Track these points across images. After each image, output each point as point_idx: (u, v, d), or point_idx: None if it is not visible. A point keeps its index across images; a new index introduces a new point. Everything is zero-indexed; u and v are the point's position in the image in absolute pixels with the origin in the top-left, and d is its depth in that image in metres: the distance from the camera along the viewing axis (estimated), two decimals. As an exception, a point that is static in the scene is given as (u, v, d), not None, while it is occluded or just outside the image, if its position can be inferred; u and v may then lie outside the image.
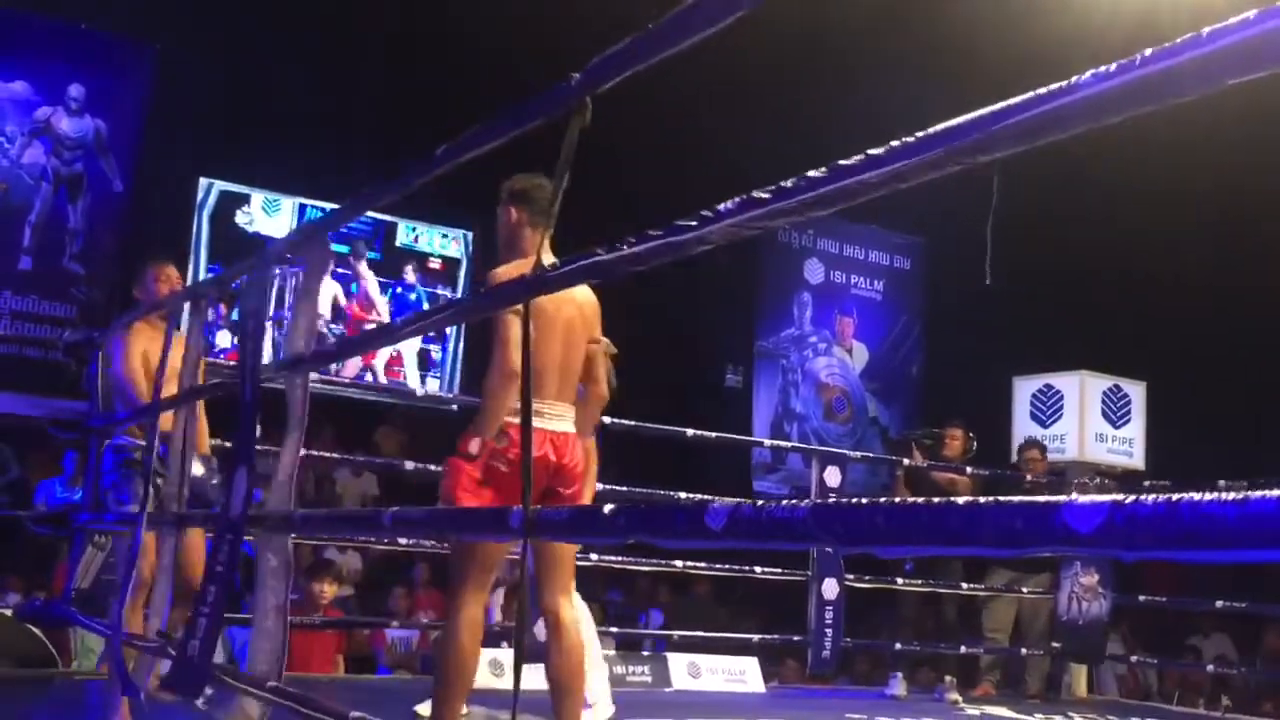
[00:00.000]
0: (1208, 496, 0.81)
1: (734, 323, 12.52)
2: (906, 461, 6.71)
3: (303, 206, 10.46)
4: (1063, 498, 0.90)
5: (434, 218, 10.94)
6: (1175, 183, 9.16)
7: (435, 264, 11.07)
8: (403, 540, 5.77)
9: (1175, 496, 0.83)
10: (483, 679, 5.44)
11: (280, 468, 2.48)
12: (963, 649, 6.64)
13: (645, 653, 6.88)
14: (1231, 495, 0.80)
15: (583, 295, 3.19)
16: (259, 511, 2.44)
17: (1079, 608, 6.46)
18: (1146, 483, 6.79)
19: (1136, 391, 7.19)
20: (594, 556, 6.16)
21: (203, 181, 10.16)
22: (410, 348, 10.92)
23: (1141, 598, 6.98)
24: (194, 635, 2.57)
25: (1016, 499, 0.94)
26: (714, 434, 6.49)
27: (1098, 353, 7.81)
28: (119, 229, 9.32)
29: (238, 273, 2.85)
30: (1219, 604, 6.67)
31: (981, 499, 0.96)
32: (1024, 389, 7.32)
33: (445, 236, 11.15)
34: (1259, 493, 0.78)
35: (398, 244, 10.96)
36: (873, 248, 13.45)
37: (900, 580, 6.55)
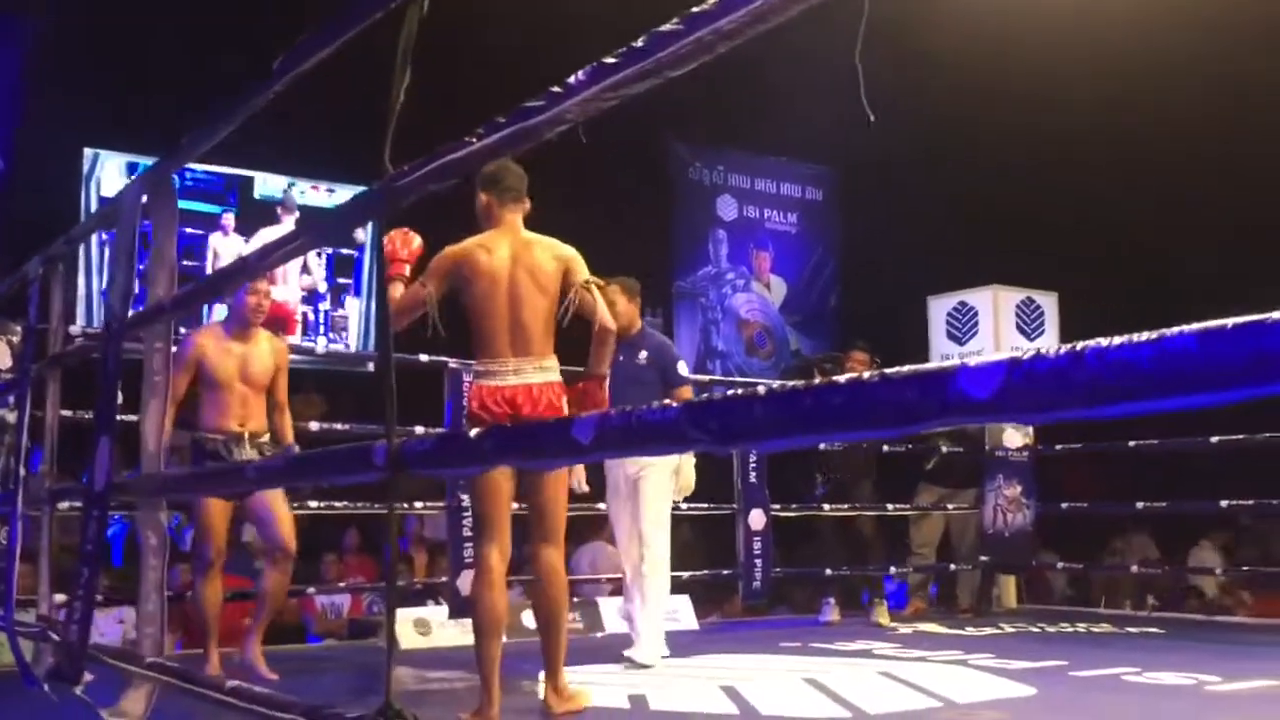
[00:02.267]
0: (1116, 341, 0.70)
1: (650, 264, 12.39)
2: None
3: (193, 172, 10.07)
4: (956, 362, 0.78)
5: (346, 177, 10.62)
6: (1080, 93, 9.17)
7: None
8: (337, 504, 5.63)
9: (1079, 345, 0.72)
10: (409, 639, 5.32)
11: (145, 436, 2.30)
12: (892, 570, 6.65)
13: (576, 598, 6.79)
14: (1144, 336, 0.68)
15: (542, 252, 3.41)
16: (122, 481, 2.26)
17: (1004, 520, 6.50)
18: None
19: (1049, 303, 7.21)
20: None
21: (88, 152, 9.73)
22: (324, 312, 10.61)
23: (1064, 505, 7.04)
24: (72, 619, 2.40)
25: (906, 369, 0.82)
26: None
27: (1011, 268, 7.81)
28: (1, 205, 8.89)
29: (84, 233, 2.63)
30: (1139, 505, 6.75)
31: (866, 374, 0.85)
32: (939, 308, 7.31)
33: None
34: (1173, 329, 0.67)
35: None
36: (785, 180, 13.37)
37: (827, 507, 6.52)
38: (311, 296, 10.38)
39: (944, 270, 8.77)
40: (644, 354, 4.82)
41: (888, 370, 0.83)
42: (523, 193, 3.39)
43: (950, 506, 6.70)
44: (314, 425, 5.46)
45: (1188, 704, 3.64)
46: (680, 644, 5.24)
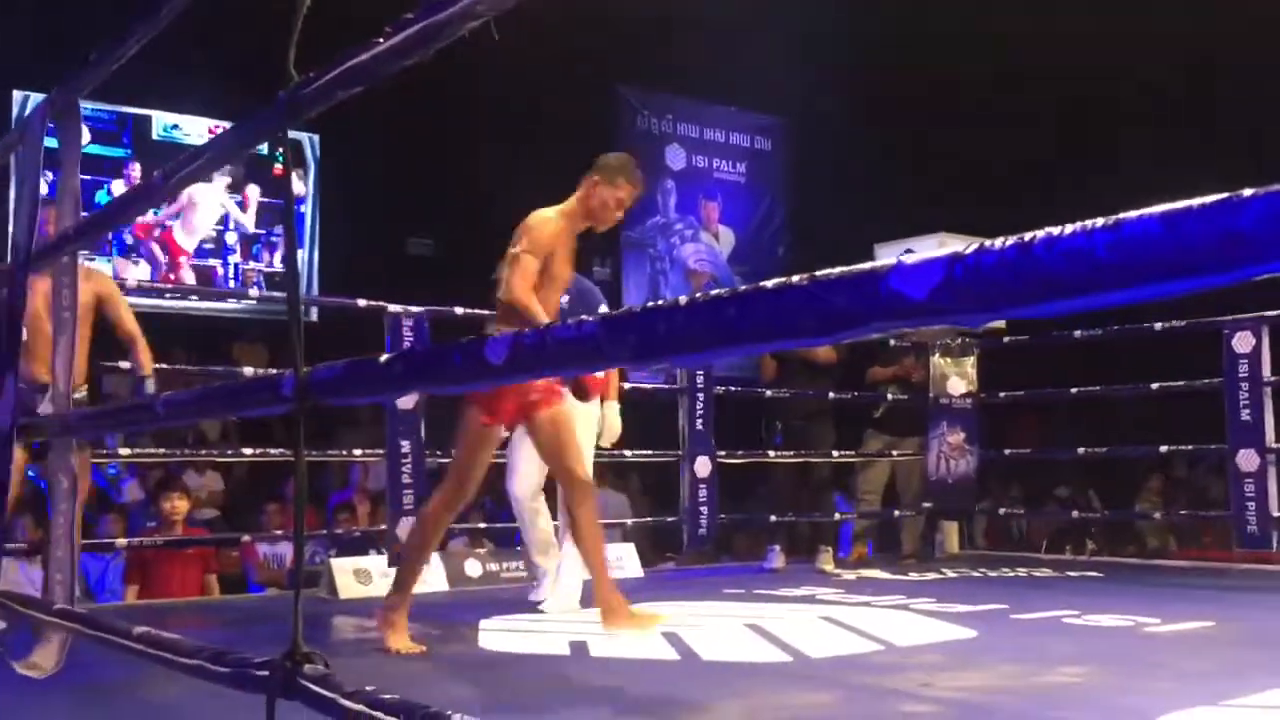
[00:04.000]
0: (1069, 229, 0.63)
1: (598, 213, 12.26)
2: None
3: (130, 116, 9.78)
4: (890, 260, 0.70)
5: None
6: (1024, 40, 9.13)
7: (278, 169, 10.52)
8: (273, 451, 5.50)
9: (1028, 236, 0.65)
10: (349, 588, 5.23)
11: (55, 374, 2.19)
12: (836, 516, 6.66)
13: (519, 547, 6.73)
14: (1100, 222, 0.61)
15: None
16: (30, 421, 2.14)
17: (947, 466, 6.51)
18: (1006, 339, 6.83)
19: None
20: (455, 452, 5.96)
21: (17, 95, 9.40)
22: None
23: (1007, 451, 7.07)
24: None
25: (836, 271, 0.74)
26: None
27: (959, 215, 7.79)
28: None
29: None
30: (1080, 450, 6.80)
31: (794, 278, 0.77)
32: (885, 255, 7.25)
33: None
34: (1132, 213, 0.60)
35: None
36: (733, 130, 13.26)
37: (773, 453, 6.50)
38: (221, 249, 10.15)
39: (892, 219, 8.74)
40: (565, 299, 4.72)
41: (816, 273, 0.76)
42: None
43: (896, 453, 6.71)
44: (247, 370, 5.32)
45: (1125, 644, 3.65)
46: (624, 591, 5.20)
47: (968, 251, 0.68)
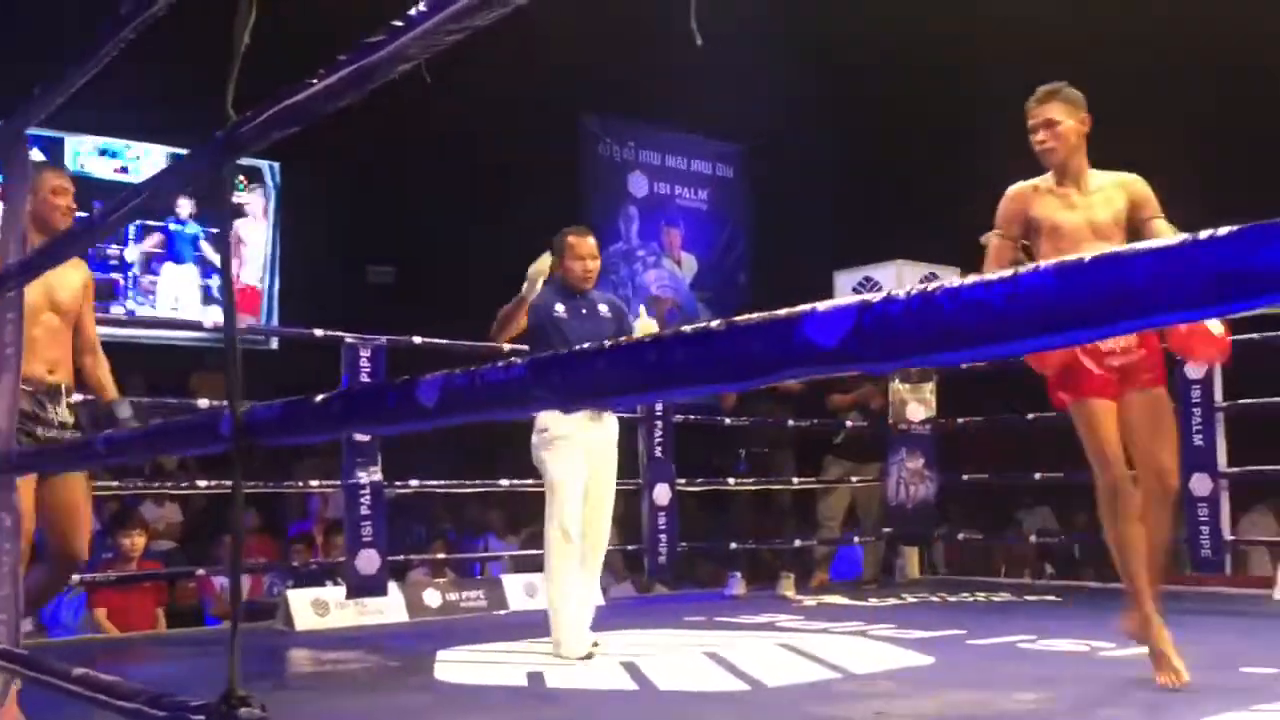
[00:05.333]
0: (969, 280, 0.64)
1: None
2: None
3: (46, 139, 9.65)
4: (804, 307, 0.72)
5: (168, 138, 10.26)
6: (986, 69, 9.24)
7: (242, 198, 10.49)
8: (228, 483, 5.44)
9: (931, 286, 0.66)
10: (306, 619, 5.18)
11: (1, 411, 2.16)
12: (797, 543, 6.67)
13: (478, 576, 6.70)
14: (999, 275, 0.62)
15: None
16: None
17: (907, 492, 6.55)
18: (965, 365, 6.89)
19: (952, 277, 7.27)
20: (415, 482, 5.93)
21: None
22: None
23: (965, 476, 7.12)
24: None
25: (753, 317, 0.75)
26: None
27: (917, 244, 7.87)
28: None
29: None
30: (1037, 476, 6.85)
31: (713, 323, 0.78)
32: (844, 282, 7.33)
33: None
34: (1026, 267, 0.61)
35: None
36: (695, 157, 13.32)
37: (732, 481, 6.52)
38: (121, 264, 10.02)
39: (853, 246, 8.81)
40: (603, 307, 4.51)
41: (734, 319, 0.77)
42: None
43: (856, 479, 6.74)
44: (203, 402, 5.28)
45: (1080, 670, 3.68)
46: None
47: (875, 300, 0.69)
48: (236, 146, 1.33)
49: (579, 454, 4.10)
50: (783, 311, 0.74)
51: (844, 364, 0.71)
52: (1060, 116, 3.22)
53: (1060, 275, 0.59)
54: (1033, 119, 3.25)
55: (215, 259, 10.30)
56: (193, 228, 10.31)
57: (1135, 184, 3.28)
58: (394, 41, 1.07)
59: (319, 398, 1.19)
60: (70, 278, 3.41)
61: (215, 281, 10.32)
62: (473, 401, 0.98)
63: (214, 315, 10.20)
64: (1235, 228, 0.53)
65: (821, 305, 0.71)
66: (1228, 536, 5.62)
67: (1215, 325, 3.02)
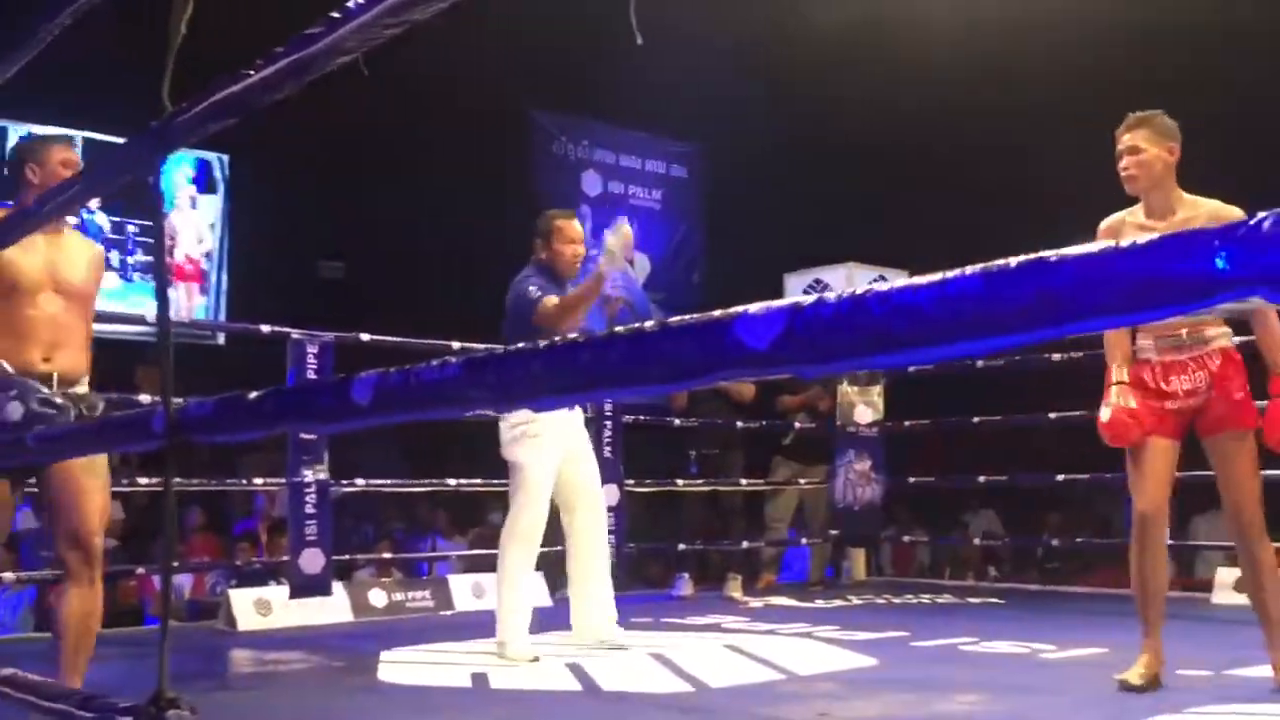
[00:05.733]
0: (899, 283, 0.64)
1: (514, 241, 12.23)
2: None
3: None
4: (737, 309, 0.71)
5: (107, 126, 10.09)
6: (939, 73, 9.33)
7: (191, 190, 10.34)
8: (177, 480, 5.33)
9: (862, 290, 0.66)
10: (248, 619, 5.11)
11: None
12: (744, 544, 6.69)
13: (425, 576, 6.66)
14: (927, 279, 0.63)
15: None
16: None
17: (854, 494, 6.59)
18: (912, 369, 6.94)
19: (900, 279, 7.33)
20: (361, 481, 5.89)
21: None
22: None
23: (911, 479, 7.18)
24: None
25: (685, 319, 0.75)
26: (483, 354, 6.24)
27: (868, 246, 7.93)
28: None
29: None
30: (981, 479, 6.93)
31: (648, 324, 0.77)
32: (794, 284, 7.37)
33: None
34: (955, 272, 0.62)
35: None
36: (649, 157, 13.32)
37: (681, 482, 6.53)
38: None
39: (806, 248, 8.86)
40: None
41: (669, 320, 0.76)
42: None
43: (804, 481, 6.77)
44: (145, 397, 5.20)
45: (1020, 672, 3.72)
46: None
47: (806, 304, 0.69)
48: (172, 137, 1.30)
49: (555, 451, 4.02)
50: (716, 313, 0.74)
51: (775, 367, 0.71)
52: (1145, 145, 3.17)
53: (987, 280, 0.60)
54: (1120, 145, 3.23)
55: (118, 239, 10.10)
56: (101, 218, 10.12)
57: (1225, 214, 3.17)
58: (331, 34, 1.05)
59: (252, 395, 1.17)
60: (76, 254, 2.98)
61: (133, 259, 10.10)
62: (407, 400, 0.97)
63: (143, 299, 10.06)
64: (1156, 238, 0.54)
65: (754, 307, 0.71)
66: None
67: None
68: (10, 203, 2.92)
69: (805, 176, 11.02)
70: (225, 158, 10.54)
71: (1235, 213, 3.17)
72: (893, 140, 9.88)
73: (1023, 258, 0.59)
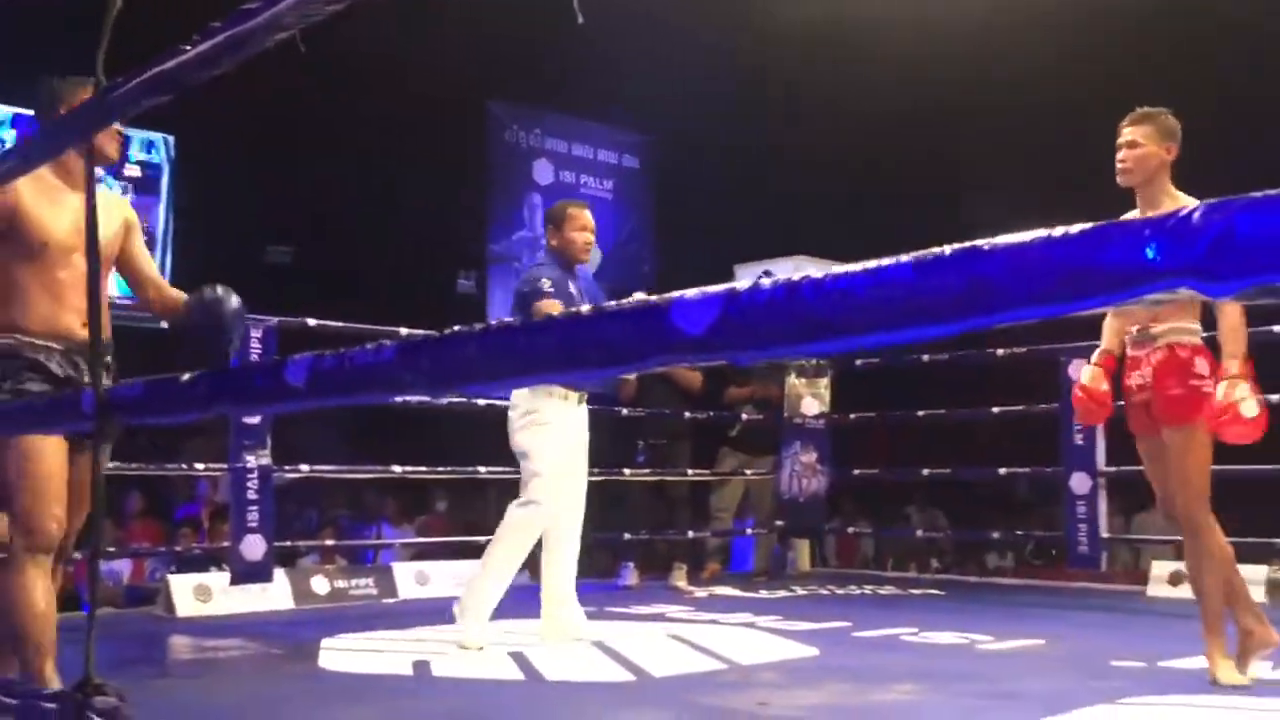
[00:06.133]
0: (834, 270, 0.64)
1: (465, 227, 12.18)
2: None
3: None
4: (673, 294, 0.71)
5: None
6: (889, 68, 9.39)
7: (134, 171, 10.14)
8: (109, 465, 5.24)
9: (797, 277, 0.66)
10: (188, 606, 5.05)
11: None
12: (690, 534, 6.71)
13: (369, 564, 6.60)
14: (861, 266, 0.62)
15: None
16: None
17: (799, 485, 6.63)
18: (859, 361, 7.00)
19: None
20: (305, 467, 5.82)
21: None
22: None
23: (856, 471, 7.24)
24: None
25: (622, 304, 0.74)
26: (419, 338, 6.19)
27: (820, 238, 7.98)
28: None
29: None
30: (925, 472, 7.00)
31: (585, 309, 0.77)
32: (744, 275, 7.37)
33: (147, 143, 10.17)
34: (889, 259, 0.62)
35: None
36: (601, 147, 13.29)
37: (628, 471, 6.52)
38: None
39: (755, 239, 8.89)
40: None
41: (605, 305, 0.76)
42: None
43: (750, 472, 6.80)
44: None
45: (959, 662, 3.76)
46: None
47: (742, 290, 0.68)
48: (106, 112, 1.27)
49: (564, 440, 4.01)
50: (652, 298, 0.73)
51: (711, 353, 0.70)
52: (1145, 140, 3.18)
53: (918, 268, 0.59)
54: (1120, 137, 3.24)
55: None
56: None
57: None
58: (269, 9, 1.03)
59: (185, 376, 1.15)
60: (108, 214, 2.64)
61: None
62: (341, 383, 0.95)
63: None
64: (1085, 226, 0.54)
65: (690, 293, 0.70)
66: (1104, 534, 5.81)
67: (1250, 407, 3.06)
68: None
69: (757, 169, 11.05)
70: (171, 138, 10.37)
71: None
72: (847, 135, 9.93)
73: (956, 246, 0.59)
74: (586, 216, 4.22)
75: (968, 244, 0.58)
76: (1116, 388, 3.42)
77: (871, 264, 0.63)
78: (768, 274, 5.87)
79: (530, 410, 4.01)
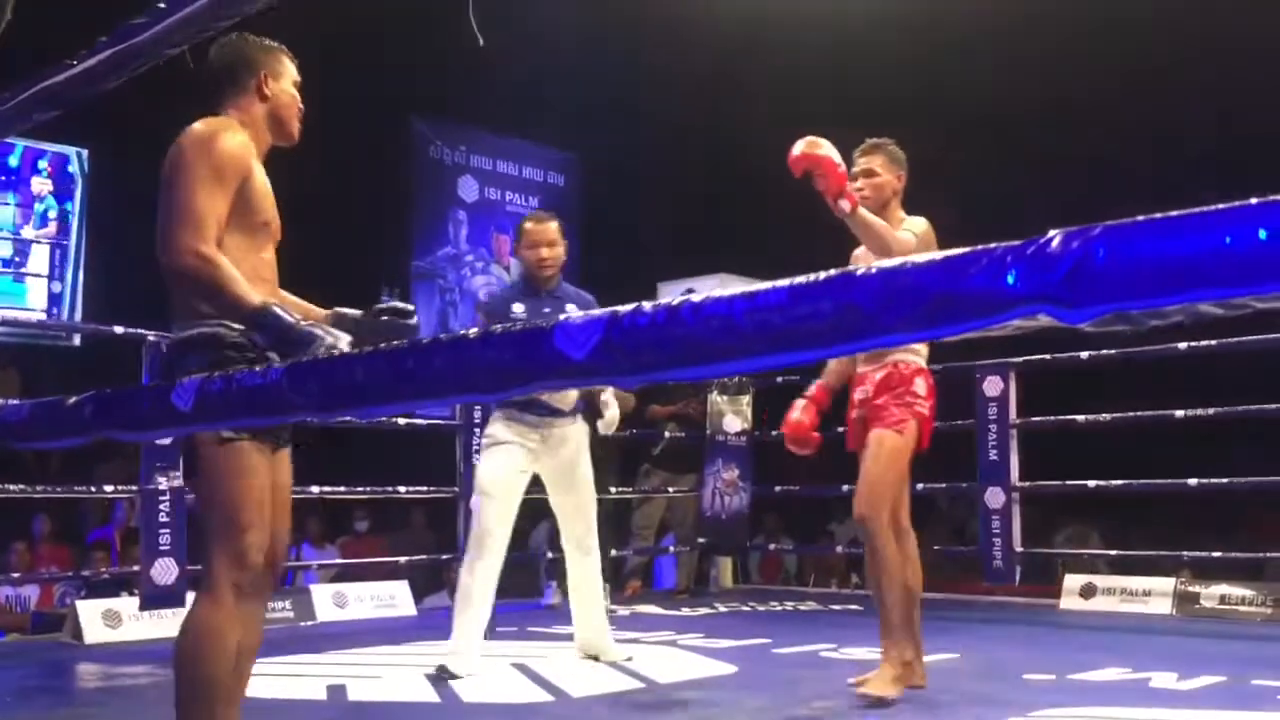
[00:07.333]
0: (715, 294, 0.64)
1: (388, 243, 12.08)
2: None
3: None
4: (559, 318, 0.70)
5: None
6: (816, 86, 9.50)
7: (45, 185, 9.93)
8: (13, 487, 5.10)
9: (678, 300, 0.66)
10: (96, 632, 4.91)
11: None
12: (613, 553, 6.69)
13: (287, 586, 6.49)
14: (739, 290, 0.63)
15: None
16: None
17: (721, 502, 6.65)
18: (780, 379, 7.05)
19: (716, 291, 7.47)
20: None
21: None
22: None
23: (778, 488, 7.28)
24: None
25: (510, 327, 0.73)
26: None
27: (743, 257, 8.05)
28: None
29: None
30: (845, 488, 7.04)
31: (471, 332, 0.76)
32: (668, 293, 7.41)
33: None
34: (767, 284, 0.62)
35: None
36: (526, 164, 13.28)
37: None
38: None
39: (679, 257, 8.94)
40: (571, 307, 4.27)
41: (490, 329, 0.75)
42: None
43: (672, 490, 6.81)
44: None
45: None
46: (395, 632, 5.09)
47: (624, 313, 0.68)
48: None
49: (515, 460, 3.94)
50: (537, 323, 0.73)
51: (593, 377, 0.70)
52: (880, 169, 3.36)
53: (793, 293, 0.60)
54: (855, 167, 3.36)
55: None
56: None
57: (909, 229, 3.36)
58: (157, 24, 1.01)
59: (71, 400, 1.12)
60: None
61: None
62: (228, 406, 0.93)
63: None
64: (951, 252, 0.54)
65: (575, 316, 0.70)
66: (1018, 548, 5.91)
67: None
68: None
69: (682, 187, 11.12)
70: (84, 151, 10.15)
71: (919, 225, 3.37)
72: (772, 152, 10.03)
73: (831, 271, 0.59)
74: (543, 231, 4.14)
75: (842, 270, 0.59)
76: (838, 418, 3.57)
77: (751, 288, 0.63)
78: (690, 291, 5.91)
79: (489, 433, 4.02)
